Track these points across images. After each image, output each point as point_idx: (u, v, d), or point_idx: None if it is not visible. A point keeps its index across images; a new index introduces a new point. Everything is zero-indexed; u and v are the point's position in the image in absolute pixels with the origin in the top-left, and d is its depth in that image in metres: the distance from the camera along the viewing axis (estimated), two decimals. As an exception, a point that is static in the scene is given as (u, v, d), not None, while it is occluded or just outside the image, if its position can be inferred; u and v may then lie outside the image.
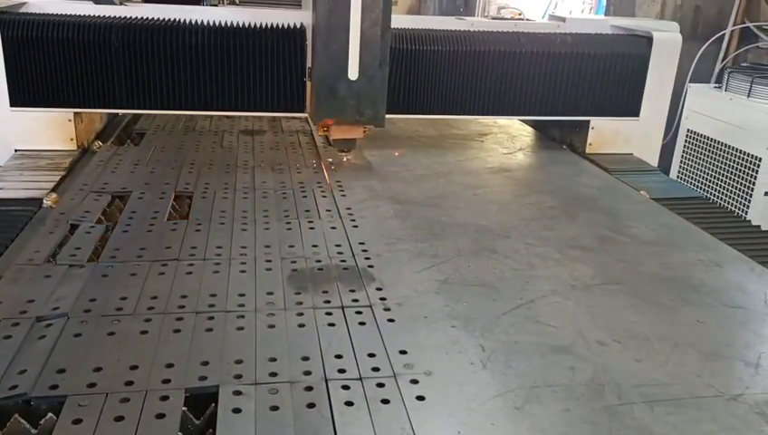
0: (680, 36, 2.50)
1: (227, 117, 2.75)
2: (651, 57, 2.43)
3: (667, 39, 2.45)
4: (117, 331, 1.18)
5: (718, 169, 3.84)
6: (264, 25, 2.19)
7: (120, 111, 2.60)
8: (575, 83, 2.42)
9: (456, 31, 2.37)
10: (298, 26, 2.19)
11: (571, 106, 2.46)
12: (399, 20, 2.23)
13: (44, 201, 1.75)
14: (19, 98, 2.13)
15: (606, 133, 2.54)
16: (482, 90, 2.37)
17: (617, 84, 2.45)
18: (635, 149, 2.56)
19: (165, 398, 1.01)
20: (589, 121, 2.51)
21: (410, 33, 2.29)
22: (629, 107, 2.50)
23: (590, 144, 2.54)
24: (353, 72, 1.84)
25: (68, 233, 1.58)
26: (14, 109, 2.14)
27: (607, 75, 2.43)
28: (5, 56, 2.07)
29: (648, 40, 2.43)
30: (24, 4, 2.25)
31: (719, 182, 3.85)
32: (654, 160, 2.58)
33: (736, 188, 3.70)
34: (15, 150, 2.17)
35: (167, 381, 1.04)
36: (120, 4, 2.35)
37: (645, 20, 2.83)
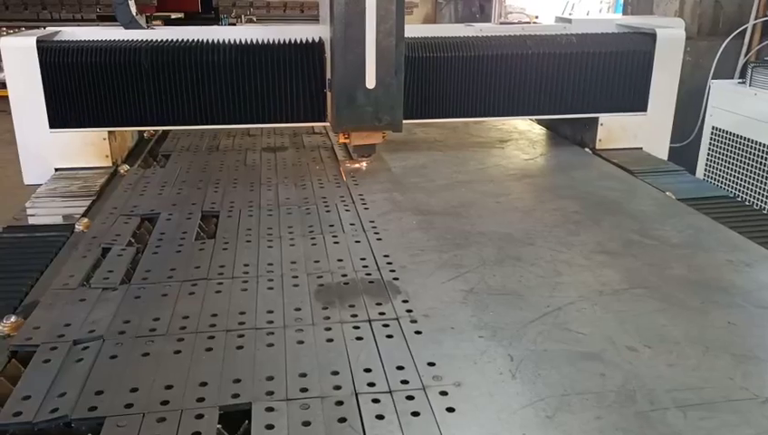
0: (684, 32, 2.52)
1: (249, 135, 2.81)
2: (656, 53, 2.45)
3: (671, 35, 2.48)
4: (151, 351, 1.21)
5: (745, 166, 3.78)
6: (284, 41, 2.25)
7: (152, 129, 2.69)
8: (582, 82, 2.45)
9: (465, 37, 2.42)
10: (317, 40, 2.24)
11: (579, 104, 2.48)
12: (412, 29, 2.27)
13: (77, 226, 1.80)
14: (58, 120, 2.22)
15: (615, 129, 2.55)
16: (493, 92, 2.41)
17: (623, 81, 2.48)
18: (644, 144, 2.57)
19: (200, 416, 1.03)
20: (597, 118, 2.54)
21: (423, 42, 2.35)
22: (637, 103, 2.52)
23: (600, 140, 2.56)
24: (371, 81, 1.89)
25: (100, 256, 1.62)
26: (53, 130, 2.23)
27: (613, 73, 2.46)
28: (45, 81, 2.16)
29: (652, 37, 2.46)
30: (59, 32, 2.34)
31: (747, 179, 3.78)
32: (663, 154, 2.59)
33: (766, 185, 3.63)
34: (56, 169, 2.26)
35: (201, 400, 1.07)
36: (148, 27, 2.41)
37: (650, 18, 2.82)
